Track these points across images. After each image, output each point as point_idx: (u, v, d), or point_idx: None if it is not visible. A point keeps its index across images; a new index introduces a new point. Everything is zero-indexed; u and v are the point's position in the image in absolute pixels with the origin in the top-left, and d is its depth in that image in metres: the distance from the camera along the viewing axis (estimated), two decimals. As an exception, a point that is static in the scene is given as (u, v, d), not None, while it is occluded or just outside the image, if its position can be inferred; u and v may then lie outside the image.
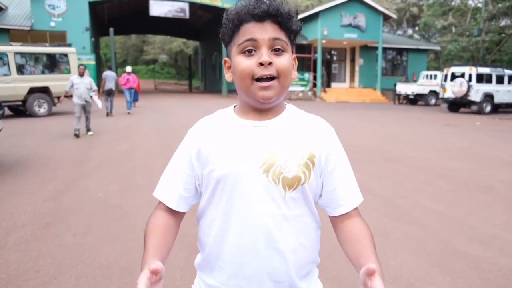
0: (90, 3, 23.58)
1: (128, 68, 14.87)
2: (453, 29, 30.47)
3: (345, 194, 1.10)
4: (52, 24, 22.60)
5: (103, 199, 4.76)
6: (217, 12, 27.82)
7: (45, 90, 13.84)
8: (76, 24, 22.78)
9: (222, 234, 1.05)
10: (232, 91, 28.54)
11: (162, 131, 10.50)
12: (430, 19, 32.97)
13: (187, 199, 1.12)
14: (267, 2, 1.00)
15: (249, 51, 1.01)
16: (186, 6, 26.21)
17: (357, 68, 29.08)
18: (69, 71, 14.18)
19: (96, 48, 27.08)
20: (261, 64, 0.99)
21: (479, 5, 29.87)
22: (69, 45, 15.20)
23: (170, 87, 43.64)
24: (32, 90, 13.59)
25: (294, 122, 1.09)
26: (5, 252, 3.29)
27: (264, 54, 0.99)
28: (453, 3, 31.75)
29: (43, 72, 14.20)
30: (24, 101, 13.57)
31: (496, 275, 2.99)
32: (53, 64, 14.45)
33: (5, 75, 13.13)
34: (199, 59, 44.99)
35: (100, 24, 30.07)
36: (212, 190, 1.05)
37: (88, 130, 9.71)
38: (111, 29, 25.56)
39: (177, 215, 1.13)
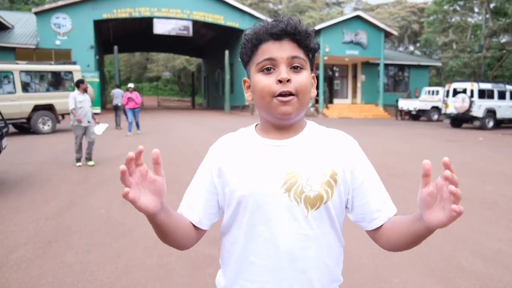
0: (95, 21, 23.94)
1: (130, 85, 13.99)
2: (454, 46, 30.68)
3: (378, 206, 1.09)
4: (58, 42, 22.92)
5: (105, 217, 4.76)
6: (220, 29, 28.28)
7: (49, 108, 13.96)
8: (81, 42, 23.10)
9: (246, 252, 1.05)
10: (234, 108, 28.68)
11: (165, 147, 10.52)
12: (431, 35, 33.23)
13: (209, 216, 1.12)
14: (285, 21, 1.02)
15: (268, 69, 1.02)
16: (189, 24, 26.55)
17: (359, 84, 29.21)
18: (73, 89, 14.23)
19: (100, 65, 27.39)
20: (280, 81, 1.00)
21: (479, 22, 30.12)
22: (74, 63, 15.41)
23: (173, 104, 43.91)
24: (37, 108, 13.71)
25: (315, 139, 1.09)
26: (7, 270, 3.28)
27: (283, 71, 1.00)
28: (453, 20, 32.03)
29: (47, 90, 14.37)
30: (28, 119, 13.67)
31: (501, 292, 2.95)
32: (57, 81, 14.63)
33: (11, 93, 13.28)
34: (202, 76, 45.37)
35: (105, 42, 30.47)
36: (234, 209, 1.06)
37: (89, 159, 8.00)
38: (115, 47, 25.91)
39: (198, 231, 1.13)
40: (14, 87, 13.35)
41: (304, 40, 1.03)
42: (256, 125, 1.15)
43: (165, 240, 1.08)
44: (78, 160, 7.83)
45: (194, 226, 1.11)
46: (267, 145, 1.07)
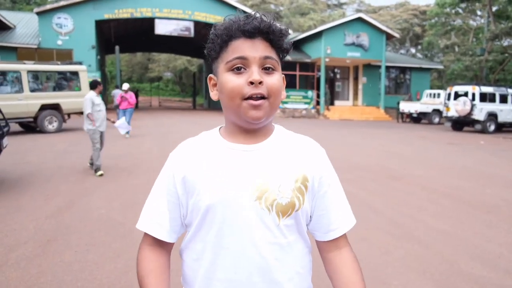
0: (96, 21, 23.96)
1: (125, 86, 13.16)
2: (456, 49, 30.69)
3: (337, 218, 1.05)
4: (59, 42, 22.95)
5: (105, 216, 4.75)
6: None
7: (56, 107, 14.12)
8: (83, 42, 23.12)
9: (212, 268, 0.97)
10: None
11: (165, 147, 10.52)
12: (433, 38, 33.23)
13: (175, 228, 1.04)
14: (259, 18, 0.96)
15: (238, 68, 0.95)
16: (191, 25, 26.57)
17: (360, 86, 29.21)
18: (79, 89, 14.55)
19: (101, 65, 27.41)
20: (251, 83, 0.93)
21: (481, 25, 30.12)
22: (80, 63, 15.55)
23: (174, 104, 43.94)
24: (44, 107, 13.87)
25: (285, 144, 1.04)
26: (7, 269, 3.28)
27: (255, 73, 0.94)
28: (455, 22, 32.03)
29: (54, 89, 14.52)
30: (35, 118, 13.82)
31: (501, 296, 2.94)
32: (64, 81, 14.79)
33: (18, 92, 13.44)
34: (203, 76, 45.37)
35: (106, 42, 30.50)
36: (200, 220, 0.98)
37: (97, 169, 7.06)
38: (117, 47, 25.92)
39: (166, 247, 1.06)
40: (22, 87, 13.50)
41: (278, 40, 0.98)
42: (220, 128, 1.08)
43: None
44: (99, 168, 7.02)
45: (161, 242, 1.04)
46: (235, 150, 1.00)
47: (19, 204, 5.21)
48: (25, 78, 13.51)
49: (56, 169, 7.54)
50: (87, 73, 15.10)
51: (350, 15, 28.10)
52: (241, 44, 0.96)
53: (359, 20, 25.78)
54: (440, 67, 34.16)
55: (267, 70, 0.96)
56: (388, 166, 8.34)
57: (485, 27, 27.16)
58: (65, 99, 14.21)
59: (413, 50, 51.16)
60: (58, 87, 14.62)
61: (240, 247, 0.96)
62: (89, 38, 23.39)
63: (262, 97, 0.95)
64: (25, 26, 24.91)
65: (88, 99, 7.08)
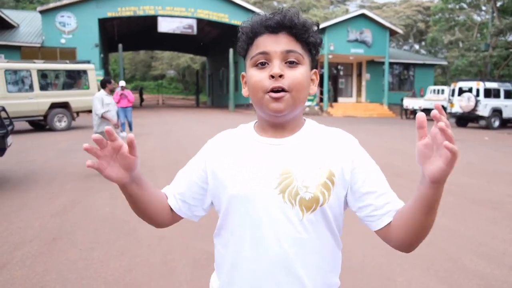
0: (99, 20, 23.99)
1: (122, 83, 12.81)
2: (460, 44, 30.53)
3: (384, 203, 1.01)
4: (63, 41, 23.00)
5: (109, 214, 4.77)
6: (225, 28, 28.26)
7: (65, 106, 14.32)
8: (86, 40, 23.17)
9: (236, 257, 1.01)
10: (239, 106, 28.68)
11: (169, 145, 10.54)
12: (437, 34, 33.07)
13: (190, 207, 1.10)
14: (282, 13, 0.97)
15: (262, 63, 0.98)
16: (194, 22, 26.56)
17: (363, 83, 29.12)
18: (88, 87, 14.76)
19: (105, 63, 27.45)
20: (272, 76, 0.96)
21: (486, 20, 29.94)
22: (88, 62, 15.75)
23: (177, 102, 43.98)
24: (53, 106, 14.10)
25: (313, 138, 1.04)
26: (12, 267, 3.30)
27: (275, 66, 0.95)
28: (459, 18, 31.85)
29: (63, 88, 14.72)
30: (45, 116, 14.04)
31: (506, 293, 2.93)
32: (73, 80, 15.00)
33: (28, 91, 13.67)
34: (207, 74, 45.40)
35: (109, 40, 30.54)
36: (225, 209, 1.02)
37: None
38: (120, 45, 25.96)
39: (174, 214, 1.13)
40: (32, 85, 13.71)
41: (302, 33, 0.98)
42: (256, 122, 1.11)
43: (136, 212, 1.08)
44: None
45: (172, 209, 1.11)
46: (263, 144, 1.03)
47: (24, 202, 5.24)
48: (35, 77, 13.74)
49: (61, 167, 7.57)
50: (95, 72, 15.32)
51: (353, 11, 27.98)
52: (264, 40, 0.98)
53: (363, 16, 25.67)
54: (444, 63, 33.98)
55: (291, 64, 0.97)
56: (392, 163, 8.31)
57: (489, 22, 26.98)
58: (74, 98, 14.43)
59: (416, 46, 50.94)
60: (67, 86, 14.85)
61: (262, 240, 0.98)
62: (92, 36, 23.42)
63: (283, 90, 0.96)
64: (28, 25, 24.98)
65: (97, 99, 6.87)
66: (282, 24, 0.97)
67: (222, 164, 1.04)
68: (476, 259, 3.53)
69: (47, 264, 3.36)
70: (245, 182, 0.99)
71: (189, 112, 26.76)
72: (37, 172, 7.12)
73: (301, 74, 0.98)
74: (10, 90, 13.24)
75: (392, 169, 7.64)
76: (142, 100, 36.09)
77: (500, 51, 25.97)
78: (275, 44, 0.97)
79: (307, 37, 0.99)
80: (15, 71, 13.61)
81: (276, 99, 0.96)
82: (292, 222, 0.96)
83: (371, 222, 1.03)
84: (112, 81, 7.20)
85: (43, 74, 14.28)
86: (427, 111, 22.91)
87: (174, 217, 1.13)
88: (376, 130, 16.04)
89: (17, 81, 13.77)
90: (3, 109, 6.48)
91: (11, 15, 24.61)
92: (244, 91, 1.07)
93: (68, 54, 22.91)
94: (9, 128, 6.36)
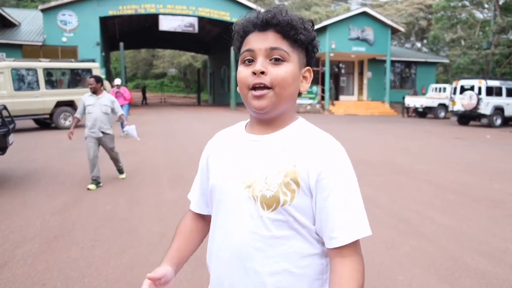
0: (100, 18, 23.98)
1: (117, 81, 12.28)
2: (462, 42, 30.43)
3: (338, 226, 0.94)
4: (64, 39, 22.99)
5: (110, 213, 4.78)
6: (226, 26, 28.21)
7: (70, 104, 14.45)
8: (87, 39, 23.16)
9: (211, 243, 1.08)
10: (240, 104, 28.67)
11: (170, 144, 10.55)
12: (439, 32, 32.96)
13: (206, 202, 1.17)
14: (271, 11, 0.98)
15: (249, 60, 1.00)
16: (195, 20, 26.53)
17: (365, 81, 29.06)
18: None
19: (106, 62, 27.46)
20: (254, 73, 0.97)
21: (488, 18, 29.85)
22: (93, 61, 15.91)
23: (179, 100, 43.97)
24: (59, 104, 14.26)
25: (293, 138, 1.01)
26: (13, 265, 3.31)
27: (258, 63, 0.97)
28: (462, 15, 31.74)
29: (68, 87, 14.86)
30: (51, 114, 14.21)
31: (507, 291, 2.93)
32: (77, 78, 15.10)
33: (35, 89, 13.81)
34: (208, 72, 45.36)
35: (111, 38, 30.54)
36: (210, 198, 1.11)
37: (121, 172, 6.58)
38: (121, 44, 25.94)
39: (204, 218, 1.19)
40: (38, 84, 13.87)
41: (288, 31, 0.98)
42: None
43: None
44: (94, 180, 5.92)
45: (201, 215, 1.19)
46: (245, 140, 1.05)
47: (25, 200, 5.25)
48: (41, 76, 13.90)
49: (63, 166, 7.59)
50: (100, 70, 15.45)
51: (355, 9, 27.91)
52: (253, 38, 1.00)
53: (364, 14, 25.61)
54: (446, 61, 33.89)
55: (275, 61, 0.98)
56: (394, 161, 8.30)
57: (491, 20, 26.89)
58: (79, 96, 14.48)
59: (418, 44, 50.80)
60: (72, 84, 14.99)
61: (226, 230, 1.02)
62: (93, 34, 23.42)
63: (265, 87, 0.97)
64: (30, 23, 24.99)
65: (80, 101, 6.27)
66: (268, 22, 0.98)
67: (213, 157, 1.12)
68: (477, 257, 3.52)
69: (48, 262, 3.36)
70: (221, 174, 1.05)
71: (191, 111, 26.76)
72: (38, 170, 7.13)
73: (284, 71, 0.97)
74: (16, 88, 13.40)
75: (393, 167, 7.63)
76: (145, 98, 36.09)
77: (502, 49, 25.88)
78: (261, 42, 0.98)
79: (293, 35, 0.98)
80: (21, 70, 13.74)
81: (258, 97, 0.98)
82: (253, 217, 0.97)
83: (323, 237, 0.98)
84: (91, 78, 6.31)
85: (48, 73, 14.41)
86: (428, 109, 22.96)
87: (205, 221, 1.20)
88: (377, 128, 16.01)
89: (24, 79, 13.92)
90: (5, 108, 6.49)
91: (13, 13, 24.61)
92: (238, 89, 1.09)
93: (70, 52, 22.91)
94: (11, 126, 6.36)
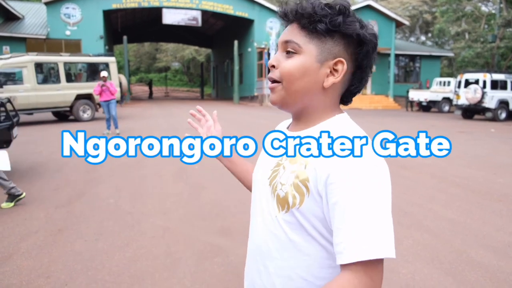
0: (104, 11, 23.96)
1: (103, 73, 11.01)
2: (467, 36, 30.21)
3: (341, 241, 0.81)
4: (68, 32, 23.01)
5: (114, 206, 4.79)
6: (229, 19, 28.15)
7: (89, 97, 14.76)
8: (91, 32, 23.17)
9: (250, 229, 1.09)
10: (243, 98, 28.62)
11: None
12: (444, 25, 32.73)
13: None
14: (289, 2, 0.95)
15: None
16: (198, 14, 26.46)
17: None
18: (110, 78, 15.10)
19: (110, 56, 27.46)
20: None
21: (493, 11, 29.58)
22: (111, 55, 16.37)
23: (182, 94, 43.97)
24: (78, 97, 14.68)
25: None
26: (18, 258, 3.33)
27: (271, 57, 0.99)
28: (467, 8, 31.48)
29: (87, 80, 15.21)
30: (71, 107, 14.61)
31: None
32: (96, 72, 15.36)
33: (56, 82, 14.26)
34: (211, 66, 45.31)
35: (114, 32, 30.52)
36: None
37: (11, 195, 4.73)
38: (125, 37, 25.92)
39: None
40: (59, 78, 14.31)
41: (308, 23, 0.91)
42: None
43: (240, 181, 1.30)
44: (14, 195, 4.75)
45: None
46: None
47: (30, 194, 5.27)
48: (62, 70, 14.35)
49: (66, 159, 7.61)
50: (116, 64, 15.88)
51: (359, 2, 27.73)
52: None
53: (368, 7, 25.49)
54: (451, 54, 33.67)
55: (287, 54, 0.94)
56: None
57: (497, 13, 26.65)
58: None
59: (423, 38, 50.44)
60: (90, 78, 15.32)
61: (255, 221, 1.03)
62: (97, 28, 23.42)
63: (275, 81, 0.96)
64: (33, 17, 25.00)
65: None
66: (285, 14, 0.95)
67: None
68: (481, 251, 3.52)
69: (52, 255, 3.38)
70: (257, 166, 1.07)
71: (194, 104, 26.67)
72: (43, 163, 7.16)
73: (291, 64, 0.92)
74: (39, 82, 13.80)
75: (397, 161, 7.59)
76: (151, 92, 36.31)
77: (508, 43, 25.69)
78: (283, 35, 0.97)
79: (309, 25, 0.91)
80: (43, 64, 14.22)
81: (271, 90, 0.98)
82: (271, 215, 0.95)
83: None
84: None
85: (68, 67, 14.88)
86: (432, 103, 22.84)
87: None
88: (381, 122, 15.96)
89: (46, 73, 14.38)
90: (9, 101, 6.51)
91: (17, 6, 24.65)
92: None
93: (73, 46, 22.94)
94: (15, 119, 6.38)
